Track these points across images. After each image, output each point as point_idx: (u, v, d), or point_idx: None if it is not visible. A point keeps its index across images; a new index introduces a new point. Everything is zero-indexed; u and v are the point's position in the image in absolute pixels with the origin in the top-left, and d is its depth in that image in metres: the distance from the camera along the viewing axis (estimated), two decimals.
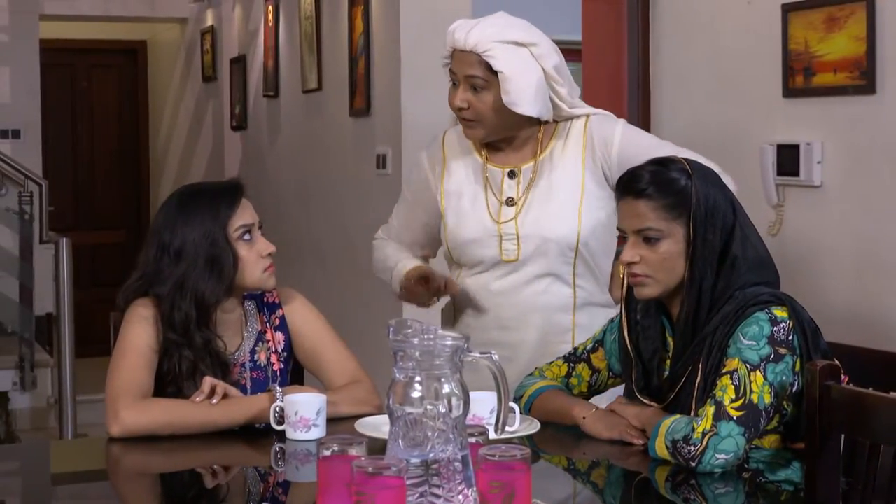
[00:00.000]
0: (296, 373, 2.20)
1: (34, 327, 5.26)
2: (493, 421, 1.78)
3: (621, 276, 2.27)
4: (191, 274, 1.96)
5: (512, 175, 2.22)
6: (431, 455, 1.26)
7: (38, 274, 5.26)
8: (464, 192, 2.24)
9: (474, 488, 1.30)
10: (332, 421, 1.91)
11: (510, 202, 2.20)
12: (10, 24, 6.24)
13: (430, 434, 1.26)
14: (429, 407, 1.27)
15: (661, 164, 1.86)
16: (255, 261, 2.02)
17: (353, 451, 1.34)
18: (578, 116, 2.23)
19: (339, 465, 1.31)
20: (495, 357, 1.37)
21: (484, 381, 1.56)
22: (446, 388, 1.29)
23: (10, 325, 5.32)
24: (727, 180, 1.99)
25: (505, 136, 2.21)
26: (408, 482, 1.26)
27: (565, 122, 2.23)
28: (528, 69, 2.11)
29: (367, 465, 1.25)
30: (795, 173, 2.73)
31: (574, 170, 2.20)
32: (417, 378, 1.29)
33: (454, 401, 1.28)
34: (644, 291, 1.84)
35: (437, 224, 2.29)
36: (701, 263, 1.80)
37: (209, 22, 6.70)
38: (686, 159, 1.90)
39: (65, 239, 5.01)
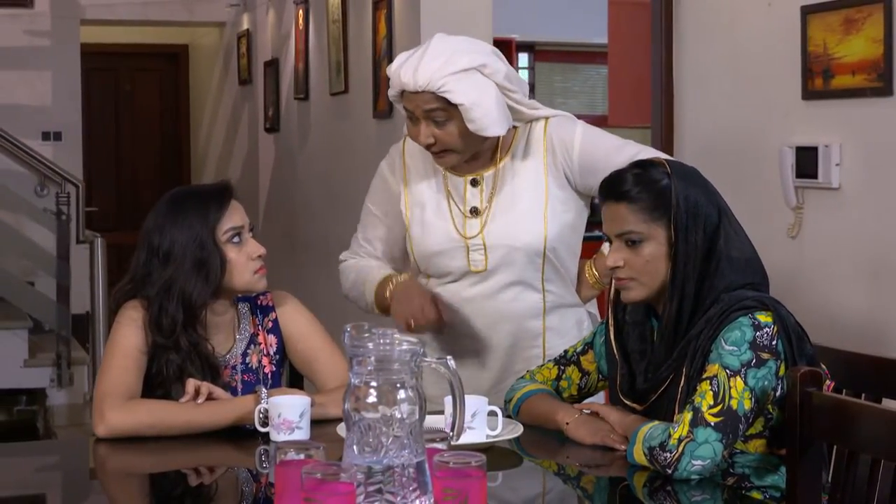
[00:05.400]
0: (295, 376, 2.21)
1: (70, 325, 5.36)
2: (474, 425, 1.79)
3: (587, 276, 2.27)
4: (178, 276, 1.97)
5: (474, 183, 2.19)
6: (386, 461, 1.26)
7: (77, 273, 5.36)
8: (427, 202, 2.21)
9: (430, 494, 1.29)
10: (320, 423, 1.91)
11: (474, 212, 2.17)
12: (51, 29, 6.37)
13: (384, 440, 1.25)
14: (384, 412, 1.26)
15: (642, 167, 1.84)
16: (244, 263, 2.02)
17: (309, 457, 1.33)
18: (538, 119, 2.19)
19: (294, 471, 1.31)
20: (451, 363, 1.36)
21: (467, 390, 1.55)
22: (402, 394, 1.28)
23: (48, 324, 5.42)
24: None
25: (475, 152, 2.17)
26: (362, 488, 1.25)
27: (524, 126, 2.20)
28: (485, 91, 2.04)
29: (316, 470, 1.24)
30: (814, 175, 2.69)
31: (536, 175, 2.17)
32: (373, 383, 1.28)
33: (410, 406, 1.28)
34: (630, 295, 1.82)
35: (403, 233, 2.25)
36: (683, 265, 1.78)
37: (245, 26, 6.78)
38: (667, 160, 1.88)
39: (100, 239, 5.11)
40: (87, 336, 5.33)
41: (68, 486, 1.89)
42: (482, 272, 2.16)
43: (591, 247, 2.33)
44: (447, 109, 2.05)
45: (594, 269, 2.26)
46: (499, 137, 2.17)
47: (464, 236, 2.16)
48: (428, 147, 2.10)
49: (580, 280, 2.26)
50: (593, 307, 2.33)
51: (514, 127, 2.20)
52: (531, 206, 2.15)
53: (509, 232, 2.15)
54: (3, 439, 4.98)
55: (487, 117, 2.04)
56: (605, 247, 2.25)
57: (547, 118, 2.20)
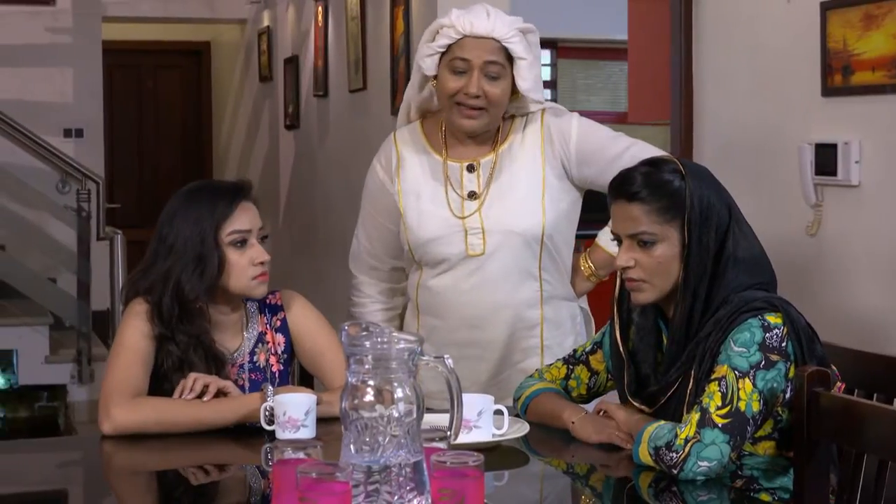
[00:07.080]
0: (306, 375, 2.20)
1: (91, 322, 5.39)
2: (480, 423, 1.77)
3: (582, 268, 2.25)
4: (176, 268, 1.97)
5: (471, 169, 2.19)
6: (383, 460, 1.25)
7: (98, 270, 5.39)
8: (422, 190, 2.20)
9: (427, 494, 1.27)
10: (327, 421, 1.90)
11: (472, 196, 2.17)
12: (73, 26, 6.41)
13: (381, 439, 1.24)
14: (381, 411, 1.25)
15: (654, 166, 1.81)
16: (244, 267, 2.00)
17: (306, 456, 1.32)
18: (534, 110, 2.22)
19: (291, 469, 1.30)
20: (449, 361, 1.34)
21: (465, 382, 1.54)
22: (399, 393, 1.27)
23: (69, 320, 5.45)
24: None
25: (487, 132, 2.20)
26: (358, 487, 1.24)
27: (521, 116, 2.22)
28: (535, 55, 2.15)
29: (311, 469, 1.23)
30: (833, 173, 2.65)
31: (534, 163, 2.18)
32: (371, 382, 1.27)
33: (407, 405, 1.26)
34: (640, 297, 1.80)
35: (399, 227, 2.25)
36: (696, 266, 1.75)
37: (265, 23, 6.80)
38: (679, 159, 1.85)
39: (119, 235, 5.14)
40: (108, 332, 5.35)
41: (89, 482, 1.90)
42: (480, 256, 2.15)
43: (586, 244, 2.33)
44: (504, 65, 2.11)
45: (589, 262, 2.26)
46: (498, 126, 2.20)
47: (461, 217, 2.16)
48: (475, 98, 2.11)
49: (575, 272, 2.27)
50: (584, 303, 2.34)
51: (512, 116, 2.22)
52: (528, 194, 2.16)
53: (507, 216, 2.15)
54: (25, 435, 5.04)
55: (537, 80, 2.13)
56: (602, 239, 2.25)
57: (543, 109, 2.22)
